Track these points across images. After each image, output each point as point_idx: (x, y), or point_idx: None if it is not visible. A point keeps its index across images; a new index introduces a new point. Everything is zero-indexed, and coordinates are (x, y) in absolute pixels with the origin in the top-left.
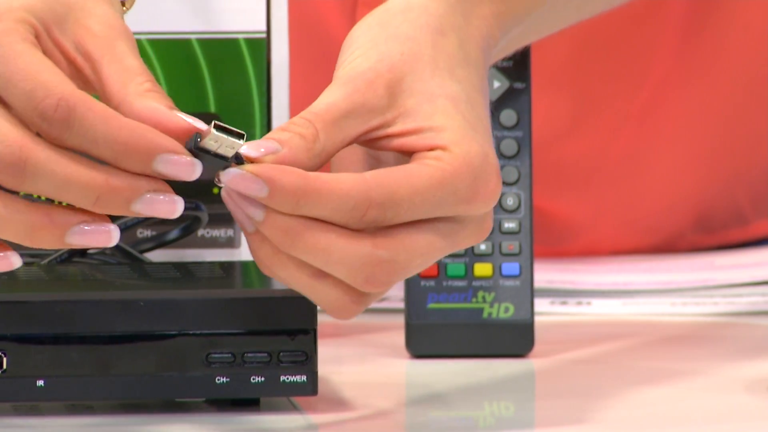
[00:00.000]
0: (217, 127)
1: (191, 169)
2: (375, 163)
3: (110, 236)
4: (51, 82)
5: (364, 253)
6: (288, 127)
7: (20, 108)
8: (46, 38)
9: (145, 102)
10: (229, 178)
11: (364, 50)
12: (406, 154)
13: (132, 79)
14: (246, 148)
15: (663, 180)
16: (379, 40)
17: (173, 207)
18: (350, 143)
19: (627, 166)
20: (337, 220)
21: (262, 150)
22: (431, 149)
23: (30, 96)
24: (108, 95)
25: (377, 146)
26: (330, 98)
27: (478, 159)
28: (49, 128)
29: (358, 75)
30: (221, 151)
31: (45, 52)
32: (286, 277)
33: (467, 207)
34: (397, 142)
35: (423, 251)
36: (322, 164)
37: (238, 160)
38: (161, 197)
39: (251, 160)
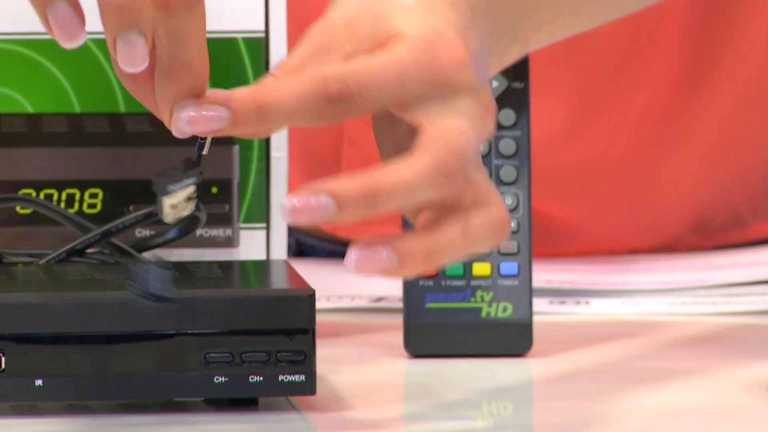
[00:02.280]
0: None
1: None
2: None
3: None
4: None
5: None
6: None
7: None
8: None
9: None
10: (187, 119)
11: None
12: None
13: None
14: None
15: (661, 183)
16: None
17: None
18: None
19: (625, 170)
20: (302, 109)
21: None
22: (388, 40)
23: None
24: None
25: None
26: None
27: (431, 33)
28: None
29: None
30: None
31: None
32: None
33: (431, 73)
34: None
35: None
36: None
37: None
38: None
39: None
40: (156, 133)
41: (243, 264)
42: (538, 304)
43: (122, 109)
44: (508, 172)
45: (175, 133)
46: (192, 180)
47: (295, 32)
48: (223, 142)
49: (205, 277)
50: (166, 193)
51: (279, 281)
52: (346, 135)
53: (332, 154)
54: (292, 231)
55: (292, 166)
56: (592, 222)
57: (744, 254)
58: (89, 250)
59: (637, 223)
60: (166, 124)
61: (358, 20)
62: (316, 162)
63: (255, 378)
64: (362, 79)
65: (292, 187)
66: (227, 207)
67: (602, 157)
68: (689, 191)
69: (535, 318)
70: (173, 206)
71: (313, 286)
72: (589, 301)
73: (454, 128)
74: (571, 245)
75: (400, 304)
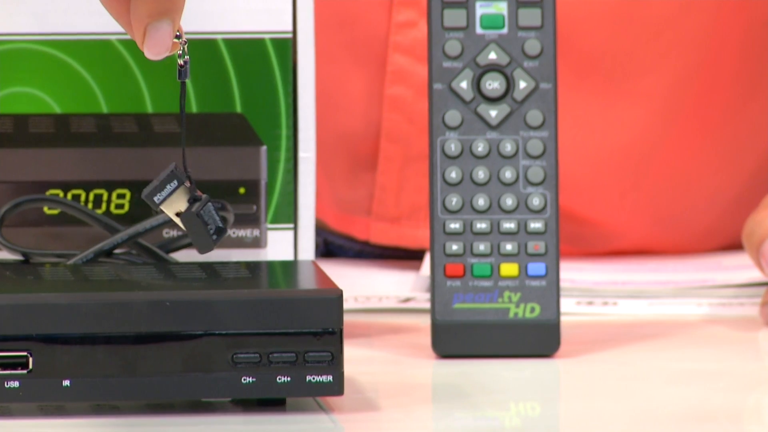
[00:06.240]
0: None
1: None
2: None
3: None
4: None
5: None
6: None
7: None
8: None
9: None
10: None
11: None
12: None
13: None
14: None
15: (703, 192)
16: None
17: None
18: None
19: (668, 176)
20: None
21: None
22: None
23: None
24: None
25: None
26: None
27: None
28: None
29: None
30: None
31: None
32: None
33: None
34: None
35: None
36: None
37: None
38: None
39: None
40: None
41: (270, 264)
42: (566, 305)
43: (150, 109)
44: (535, 172)
45: (148, 55)
46: (174, 183)
47: (323, 33)
48: (250, 143)
49: (233, 277)
50: (158, 205)
51: (306, 282)
52: (384, 131)
53: (370, 149)
54: (320, 231)
55: (331, 163)
56: (629, 226)
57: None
58: (117, 251)
59: (677, 231)
60: (139, 44)
61: None
62: (355, 158)
63: (282, 378)
64: None
65: (320, 186)
66: (255, 207)
67: (644, 163)
68: (731, 202)
69: (563, 319)
70: (179, 213)
71: (340, 286)
72: (616, 302)
73: None
74: (606, 247)
75: (427, 305)
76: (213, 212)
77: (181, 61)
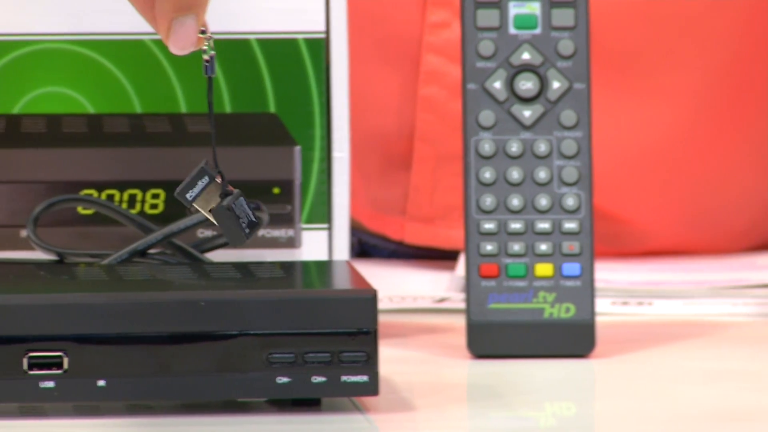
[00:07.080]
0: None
1: None
2: None
3: None
4: None
5: None
6: None
7: None
8: None
9: None
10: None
11: None
12: None
13: None
14: None
15: (740, 192)
16: None
17: None
18: None
19: (703, 175)
20: None
21: None
22: None
23: None
24: None
25: None
26: None
27: None
28: None
29: None
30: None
31: None
32: None
33: None
34: None
35: None
36: None
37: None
38: None
39: None
40: (217, 133)
41: (305, 264)
42: (601, 305)
43: (183, 109)
44: (569, 173)
45: (172, 50)
46: (205, 179)
47: (356, 33)
48: (284, 143)
49: (268, 277)
50: (190, 202)
51: (341, 282)
52: (417, 131)
53: (404, 149)
54: (355, 231)
55: (365, 162)
56: (663, 225)
57: None
58: (151, 251)
59: (712, 231)
60: (163, 39)
61: None
62: (388, 158)
63: (318, 378)
64: None
65: (355, 186)
66: (289, 208)
67: (677, 161)
68: (765, 201)
69: (598, 319)
70: (211, 210)
71: (375, 286)
72: (651, 302)
73: None
74: (639, 247)
75: (462, 305)
76: (245, 206)
77: (206, 57)
